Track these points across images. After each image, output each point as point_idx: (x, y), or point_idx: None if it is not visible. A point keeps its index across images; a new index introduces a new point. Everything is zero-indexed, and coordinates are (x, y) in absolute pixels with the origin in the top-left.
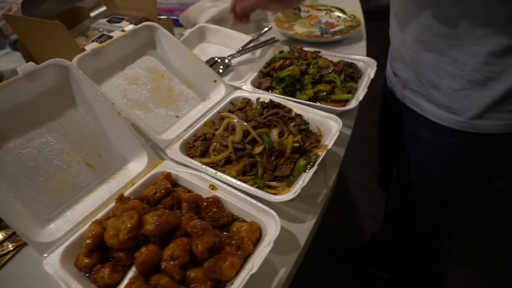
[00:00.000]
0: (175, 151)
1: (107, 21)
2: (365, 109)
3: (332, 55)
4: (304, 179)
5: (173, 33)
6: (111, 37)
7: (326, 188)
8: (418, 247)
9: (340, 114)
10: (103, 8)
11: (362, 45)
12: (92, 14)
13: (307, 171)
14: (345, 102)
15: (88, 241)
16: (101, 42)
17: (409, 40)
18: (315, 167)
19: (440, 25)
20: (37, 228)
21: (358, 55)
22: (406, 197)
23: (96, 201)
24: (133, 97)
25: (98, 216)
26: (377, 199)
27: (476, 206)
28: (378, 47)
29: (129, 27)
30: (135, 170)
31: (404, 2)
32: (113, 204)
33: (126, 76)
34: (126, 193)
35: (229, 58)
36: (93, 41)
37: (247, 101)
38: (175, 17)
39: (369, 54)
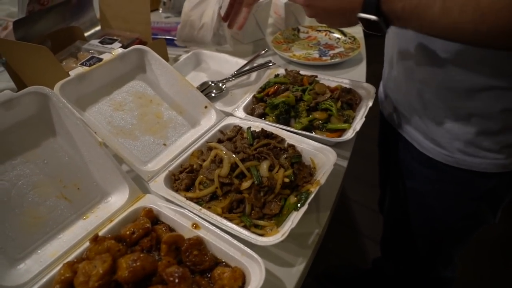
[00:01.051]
0: (158, 184)
1: (99, 42)
2: (370, 125)
3: (330, 80)
4: (293, 219)
5: (166, 54)
6: (100, 59)
7: (319, 227)
8: (415, 277)
9: (336, 145)
10: (98, 27)
11: (362, 67)
12: (87, 34)
13: (298, 209)
14: (342, 131)
15: (56, 286)
16: (90, 65)
17: (398, 67)
18: (306, 205)
19: (424, 57)
20: (6, 269)
21: (357, 79)
22: (399, 226)
23: (71, 239)
24: (118, 124)
25: (71, 256)
26: (380, 220)
27: (472, 239)
28: (380, 65)
29: (118, 51)
30: (115, 204)
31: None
32: (87, 243)
33: (113, 101)
34: (103, 230)
35: (223, 81)
36: (82, 64)
37: (238, 129)
38: (172, 37)
39: (369, 73)
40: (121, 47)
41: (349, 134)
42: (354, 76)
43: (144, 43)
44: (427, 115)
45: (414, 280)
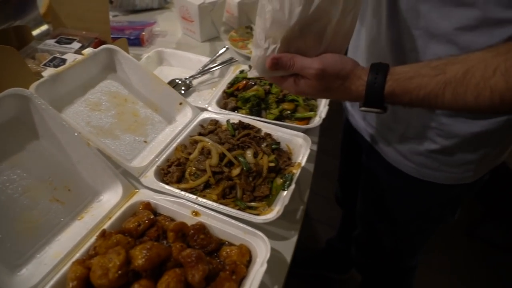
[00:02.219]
0: (150, 179)
1: (56, 42)
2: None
3: None
4: (285, 197)
5: (128, 53)
6: (64, 60)
7: (303, 204)
8: (384, 267)
9: (305, 131)
10: (44, 27)
11: None
12: (33, 33)
13: (286, 189)
14: (309, 119)
15: (72, 283)
16: (54, 66)
17: None
18: (293, 185)
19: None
20: (7, 276)
21: None
22: (370, 224)
23: (71, 239)
24: (97, 124)
25: (77, 255)
26: (329, 206)
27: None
28: None
29: (88, 50)
30: (109, 202)
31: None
32: (91, 240)
33: (88, 102)
34: (105, 227)
35: (190, 79)
36: (45, 65)
37: (216, 122)
38: (127, 36)
39: None
40: (81, 47)
41: (316, 121)
42: None
43: (104, 43)
44: (397, 129)
45: (381, 271)
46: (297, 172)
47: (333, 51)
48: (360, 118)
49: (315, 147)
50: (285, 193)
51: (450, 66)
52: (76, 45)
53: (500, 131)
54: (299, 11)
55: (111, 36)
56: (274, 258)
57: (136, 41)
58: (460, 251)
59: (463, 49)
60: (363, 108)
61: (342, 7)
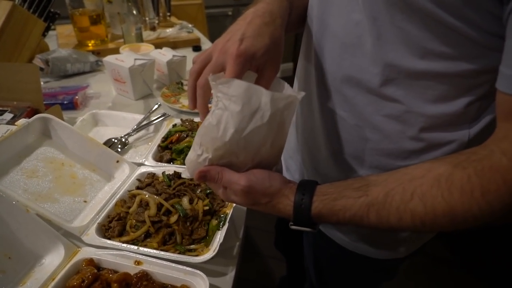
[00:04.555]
0: (92, 236)
1: None
2: None
3: None
4: (220, 236)
5: (62, 118)
6: None
7: (238, 240)
8: None
9: None
10: None
11: None
12: None
13: (220, 229)
14: None
15: None
16: None
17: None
18: (227, 224)
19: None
20: None
21: None
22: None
23: None
24: (35, 190)
25: None
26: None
27: None
28: None
29: (22, 121)
30: (52, 264)
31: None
32: None
33: (24, 170)
34: None
35: (126, 137)
36: None
37: (153, 175)
38: (60, 101)
39: None
40: (13, 117)
41: None
42: None
43: (37, 111)
44: None
45: None
46: (230, 211)
47: (265, 166)
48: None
49: None
50: (219, 232)
51: (372, 188)
52: (8, 115)
53: None
54: (232, 133)
55: (44, 102)
56: None
57: (70, 105)
58: (408, 266)
59: (387, 136)
60: (293, 227)
61: (276, 129)
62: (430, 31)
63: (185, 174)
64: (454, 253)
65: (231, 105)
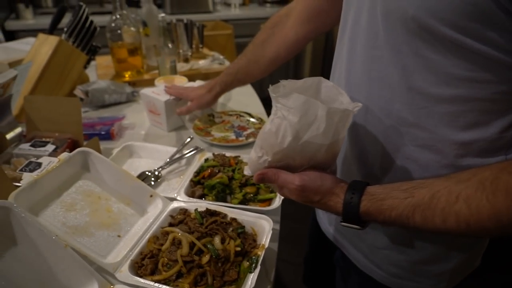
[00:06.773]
0: (125, 274)
1: (31, 145)
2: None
3: None
4: (252, 280)
5: (100, 150)
6: (39, 163)
7: (270, 283)
8: None
9: (268, 212)
10: (18, 129)
11: None
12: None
13: (252, 271)
14: (270, 200)
15: None
16: (30, 171)
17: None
18: (259, 266)
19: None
20: None
21: None
22: None
23: None
24: (73, 224)
25: None
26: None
27: None
28: None
29: (64, 155)
30: None
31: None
32: None
33: (64, 203)
34: None
35: (159, 170)
36: (21, 170)
37: (185, 211)
38: (97, 132)
39: None
40: (55, 149)
41: (277, 202)
42: None
43: (76, 143)
44: (366, 239)
45: None
46: (261, 253)
47: (320, 167)
48: (327, 223)
49: (277, 226)
50: (251, 275)
51: (418, 189)
52: (50, 147)
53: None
54: (289, 140)
55: (83, 132)
56: None
57: (107, 136)
58: None
59: (421, 166)
60: (343, 224)
61: (332, 138)
62: (455, 57)
63: (247, 171)
64: None
65: (290, 116)
